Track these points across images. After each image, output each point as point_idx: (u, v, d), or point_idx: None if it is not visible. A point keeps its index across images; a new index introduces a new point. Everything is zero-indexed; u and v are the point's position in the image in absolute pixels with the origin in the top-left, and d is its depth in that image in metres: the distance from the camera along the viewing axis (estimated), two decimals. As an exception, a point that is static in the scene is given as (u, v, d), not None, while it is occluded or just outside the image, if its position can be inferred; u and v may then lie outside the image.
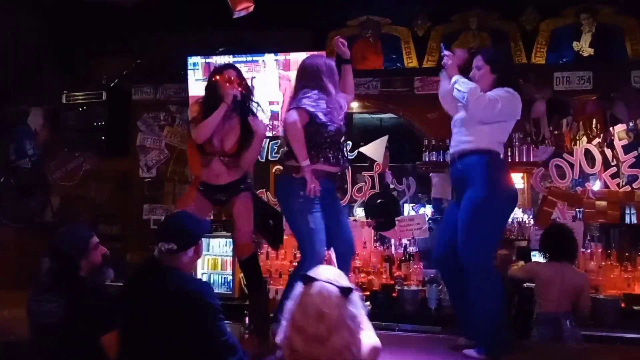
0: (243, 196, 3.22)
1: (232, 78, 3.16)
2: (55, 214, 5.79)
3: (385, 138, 5.38)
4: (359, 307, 1.64)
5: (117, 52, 5.69)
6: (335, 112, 2.95)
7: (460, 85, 2.84)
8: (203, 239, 2.48)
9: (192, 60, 5.33)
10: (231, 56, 5.29)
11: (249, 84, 3.40)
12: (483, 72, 2.88)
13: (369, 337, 1.70)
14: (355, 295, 1.65)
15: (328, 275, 1.66)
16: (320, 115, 2.86)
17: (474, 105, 2.75)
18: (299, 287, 1.65)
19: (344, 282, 1.66)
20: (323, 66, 2.98)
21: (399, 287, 4.56)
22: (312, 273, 1.67)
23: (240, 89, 3.17)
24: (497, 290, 2.73)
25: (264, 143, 5.43)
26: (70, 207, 5.86)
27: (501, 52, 3.17)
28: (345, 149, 3.14)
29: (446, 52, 3.03)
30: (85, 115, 5.64)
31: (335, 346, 1.53)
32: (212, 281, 4.86)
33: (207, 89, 3.24)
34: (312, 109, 2.86)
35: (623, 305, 4.20)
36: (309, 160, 2.84)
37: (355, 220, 5.38)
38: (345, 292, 1.60)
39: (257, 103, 3.32)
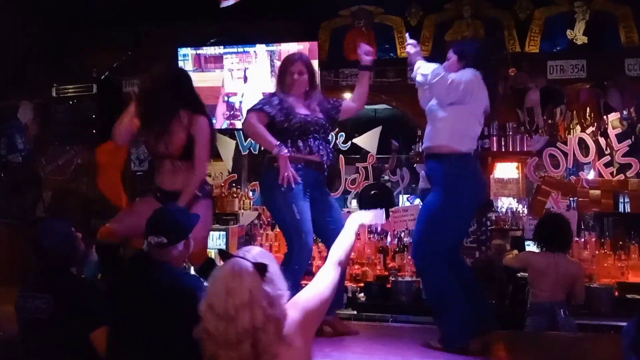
0: (200, 205, 2.99)
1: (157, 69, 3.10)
2: (47, 209, 5.75)
3: (378, 129, 5.36)
4: (277, 286, 1.53)
5: (107, 44, 5.63)
6: (298, 106, 2.94)
7: (423, 69, 2.85)
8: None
9: (182, 51, 5.28)
10: (222, 47, 5.25)
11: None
12: (451, 62, 2.91)
13: (295, 311, 1.58)
14: (274, 275, 1.54)
15: (249, 252, 1.57)
16: (268, 109, 2.89)
17: (437, 86, 2.76)
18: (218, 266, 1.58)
19: (264, 260, 1.54)
20: (281, 66, 3.07)
21: (393, 278, 4.55)
22: (237, 251, 1.60)
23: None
24: (443, 282, 2.77)
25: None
26: (62, 202, 5.82)
27: (472, 46, 3.12)
28: (326, 140, 3.02)
29: (410, 41, 3.00)
30: (76, 108, 5.58)
31: (245, 326, 1.44)
32: (205, 274, 4.84)
33: None
34: (258, 106, 2.92)
35: (617, 293, 4.21)
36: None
37: (349, 211, 5.36)
38: (260, 269, 1.50)
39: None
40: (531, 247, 4.23)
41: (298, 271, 2.86)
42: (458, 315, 2.71)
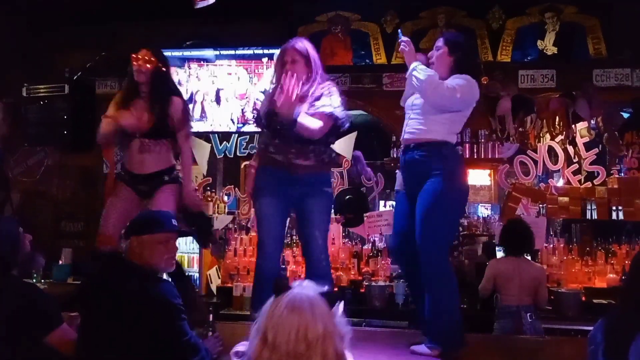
0: (166, 189, 3.03)
1: (141, 55, 3.08)
2: (15, 211, 5.62)
3: (354, 134, 5.39)
4: (344, 322, 1.43)
5: (80, 44, 5.55)
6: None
7: (418, 72, 2.71)
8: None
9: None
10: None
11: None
12: (441, 53, 2.79)
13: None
14: (340, 308, 1.43)
15: (303, 283, 1.45)
16: (256, 115, 2.95)
17: (432, 94, 2.66)
18: (270, 300, 1.42)
19: (322, 288, 1.44)
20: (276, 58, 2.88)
21: (367, 283, 4.58)
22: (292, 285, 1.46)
23: (149, 66, 3.07)
24: (452, 286, 2.69)
25: (233, 139, 5.41)
26: (31, 204, 5.70)
27: (462, 37, 2.98)
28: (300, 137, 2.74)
29: (403, 38, 2.85)
30: (47, 108, 5.47)
31: None
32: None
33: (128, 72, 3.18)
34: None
35: (584, 298, 4.31)
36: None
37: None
38: (331, 299, 1.39)
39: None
40: (501, 253, 4.32)
41: (257, 270, 2.83)
42: (458, 318, 2.66)
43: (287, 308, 1.34)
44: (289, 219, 3.07)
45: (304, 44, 2.82)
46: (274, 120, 2.76)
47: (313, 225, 2.79)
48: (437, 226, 2.63)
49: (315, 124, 2.71)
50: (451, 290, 2.68)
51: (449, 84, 2.69)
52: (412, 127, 2.81)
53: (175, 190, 3.10)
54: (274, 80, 2.90)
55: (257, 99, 5.08)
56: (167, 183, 3.06)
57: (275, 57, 2.95)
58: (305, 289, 1.40)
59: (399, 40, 2.87)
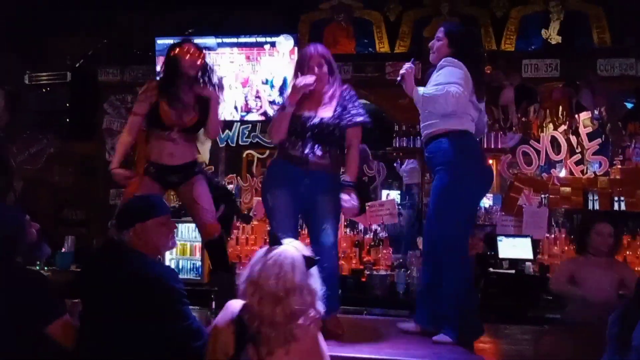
0: (199, 178, 3.16)
1: (192, 50, 3.08)
2: (18, 199, 5.64)
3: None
4: (317, 283, 1.73)
5: (81, 31, 5.52)
6: (306, 105, 2.78)
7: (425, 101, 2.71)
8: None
9: (160, 42, 5.21)
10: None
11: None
12: (441, 44, 2.80)
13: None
14: (315, 272, 1.73)
15: (293, 243, 1.76)
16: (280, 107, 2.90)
17: (439, 106, 2.63)
18: (263, 248, 1.76)
19: (308, 253, 1.75)
20: (298, 64, 2.89)
21: (368, 272, 4.59)
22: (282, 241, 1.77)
23: (200, 61, 3.09)
24: (469, 275, 2.73)
25: (236, 127, 5.40)
26: (34, 192, 5.71)
27: (463, 30, 2.94)
28: (321, 140, 2.76)
29: (408, 66, 2.82)
30: (49, 96, 5.49)
31: (292, 307, 1.64)
32: (180, 267, 4.81)
33: (166, 64, 3.15)
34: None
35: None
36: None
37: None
38: (309, 263, 1.69)
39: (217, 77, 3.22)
40: (504, 241, 4.33)
41: None
42: (474, 309, 2.69)
43: (274, 258, 1.69)
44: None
45: (324, 49, 2.90)
46: (306, 130, 2.76)
47: (325, 221, 2.78)
48: (446, 220, 2.64)
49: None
50: (466, 280, 2.69)
51: (440, 93, 2.62)
52: (421, 125, 2.84)
53: (206, 180, 3.23)
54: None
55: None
56: (197, 174, 3.17)
57: (289, 59, 3.03)
58: (291, 248, 1.73)
59: (405, 68, 2.82)
